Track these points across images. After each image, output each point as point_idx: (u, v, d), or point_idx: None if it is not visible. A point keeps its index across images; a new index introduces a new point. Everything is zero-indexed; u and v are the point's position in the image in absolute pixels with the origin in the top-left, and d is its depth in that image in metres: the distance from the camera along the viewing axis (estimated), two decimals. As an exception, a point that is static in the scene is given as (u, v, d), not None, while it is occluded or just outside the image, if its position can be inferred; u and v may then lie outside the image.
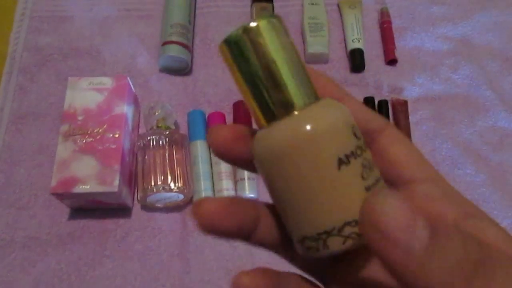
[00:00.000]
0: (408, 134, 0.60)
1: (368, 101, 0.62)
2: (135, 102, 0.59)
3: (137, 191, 0.54)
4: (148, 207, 0.55)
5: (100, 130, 0.52)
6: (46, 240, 0.53)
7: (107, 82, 0.54)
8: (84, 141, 0.51)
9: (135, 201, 0.55)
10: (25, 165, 0.57)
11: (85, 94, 0.53)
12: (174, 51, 0.61)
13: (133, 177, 0.56)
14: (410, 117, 0.61)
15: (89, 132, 0.51)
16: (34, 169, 0.56)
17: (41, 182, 0.55)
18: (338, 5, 0.70)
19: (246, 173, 0.55)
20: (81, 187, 0.49)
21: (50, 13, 0.68)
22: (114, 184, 0.49)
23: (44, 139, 0.58)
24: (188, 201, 0.55)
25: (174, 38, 0.62)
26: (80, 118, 0.52)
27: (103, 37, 0.66)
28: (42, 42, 0.65)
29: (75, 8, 0.68)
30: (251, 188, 0.55)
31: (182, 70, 0.64)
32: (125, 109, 0.53)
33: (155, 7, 0.69)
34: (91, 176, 0.49)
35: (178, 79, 0.64)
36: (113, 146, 0.51)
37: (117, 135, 0.51)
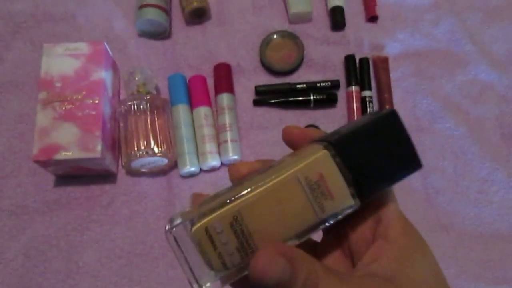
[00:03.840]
0: (389, 91, 0.60)
1: (349, 59, 0.62)
2: (114, 68, 0.58)
3: (121, 157, 0.55)
4: (133, 173, 0.56)
5: (79, 97, 0.51)
6: (33, 208, 0.53)
7: (83, 47, 0.53)
8: (63, 108, 0.50)
9: (120, 167, 0.56)
10: (6, 135, 0.56)
11: (61, 61, 0.53)
12: (151, 14, 0.60)
13: (116, 143, 0.56)
14: (391, 74, 0.62)
15: (68, 98, 0.51)
16: (15, 138, 0.56)
17: (24, 151, 0.55)
18: (318, -39, 0.68)
19: (229, 135, 0.56)
20: (63, 154, 0.49)
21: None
22: (97, 149, 0.49)
23: (24, 107, 0.58)
24: (172, 165, 0.56)
25: (150, 1, 0.60)
26: (57, 84, 0.51)
27: (77, 1, 0.64)
28: (15, 9, 0.63)
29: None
30: (234, 150, 0.55)
31: (160, 34, 0.62)
32: (103, 75, 0.53)
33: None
34: (72, 143, 0.49)
35: (157, 43, 0.63)
36: (93, 113, 0.51)
37: (96, 101, 0.51)
